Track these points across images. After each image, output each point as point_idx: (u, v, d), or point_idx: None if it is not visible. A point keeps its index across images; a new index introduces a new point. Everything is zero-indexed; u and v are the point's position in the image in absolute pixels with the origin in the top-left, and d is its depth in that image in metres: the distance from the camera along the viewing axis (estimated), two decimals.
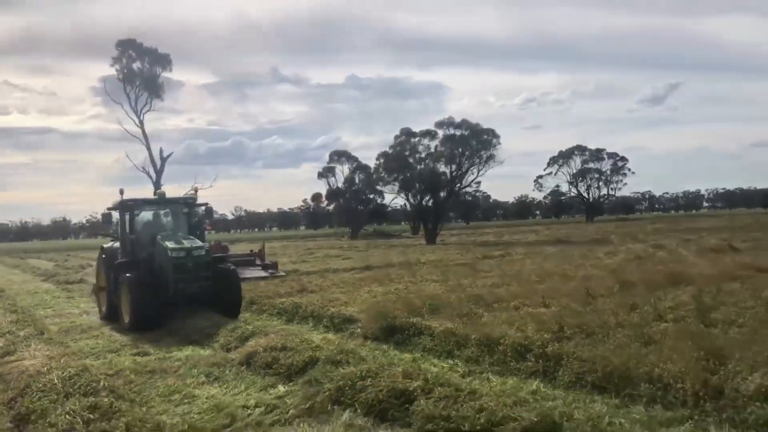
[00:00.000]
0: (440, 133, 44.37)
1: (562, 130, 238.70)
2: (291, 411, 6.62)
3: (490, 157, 42.31)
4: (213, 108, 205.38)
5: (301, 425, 6.14)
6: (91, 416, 5.79)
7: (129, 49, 53.05)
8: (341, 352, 8.19)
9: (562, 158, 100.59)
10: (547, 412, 5.28)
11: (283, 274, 20.34)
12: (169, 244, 12.49)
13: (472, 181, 44.45)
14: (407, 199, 46.40)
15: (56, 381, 7.11)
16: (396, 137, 51.65)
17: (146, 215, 14.11)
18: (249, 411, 6.75)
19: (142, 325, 11.84)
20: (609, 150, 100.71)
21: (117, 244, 13.99)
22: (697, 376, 6.05)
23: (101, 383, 6.97)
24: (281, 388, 7.48)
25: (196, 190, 15.10)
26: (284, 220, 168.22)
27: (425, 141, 48.95)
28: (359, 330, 10.61)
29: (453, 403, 5.83)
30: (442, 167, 44.38)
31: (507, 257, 24.53)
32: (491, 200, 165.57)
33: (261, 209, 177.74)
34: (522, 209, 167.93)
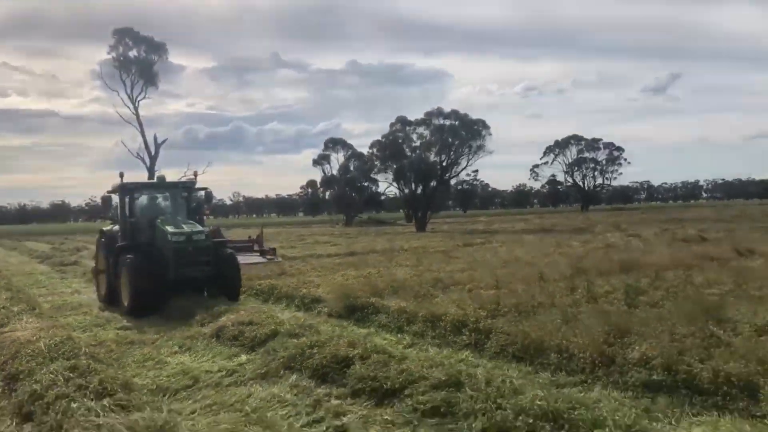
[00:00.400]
0: (434, 122, 45.18)
1: (562, 118, 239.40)
2: (248, 375, 7.58)
3: (480, 147, 43.25)
4: (213, 93, 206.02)
5: (254, 386, 7.11)
6: (71, 375, 6.73)
7: (125, 37, 53.90)
8: (300, 326, 9.16)
9: (558, 147, 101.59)
10: (453, 372, 6.24)
11: (280, 259, 20.62)
12: (169, 229, 12.58)
13: (462, 170, 45.31)
14: (398, 188, 47.38)
15: (43, 347, 8.04)
16: (391, 125, 52.59)
17: (146, 199, 14.12)
18: (211, 374, 7.71)
19: (142, 309, 11.90)
20: (607, 140, 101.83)
21: (116, 228, 13.94)
22: (596, 348, 7.00)
23: (82, 350, 7.93)
24: (243, 357, 8.42)
25: (195, 174, 15.09)
26: (283, 206, 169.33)
27: (420, 129, 49.91)
28: (325, 309, 11.58)
29: (383, 367, 6.77)
30: (432, 157, 45.19)
31: (486, 245, 25.48)
32: (490, 189, 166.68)
33: (260, 195, 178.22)
34: (520, 198, 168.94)
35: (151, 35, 55.77)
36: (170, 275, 12.38)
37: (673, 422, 5.37)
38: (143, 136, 56.54)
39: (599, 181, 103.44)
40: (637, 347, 6.78)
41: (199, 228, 12.98)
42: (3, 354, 8.46)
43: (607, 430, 4.64)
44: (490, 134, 43.47)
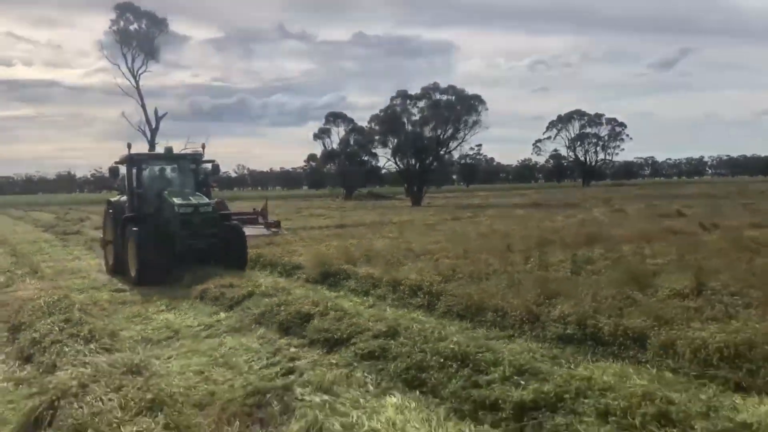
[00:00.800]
0: (432, 97, 45.79)
1: (569, 93, 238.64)
2: (223, 329, 8.60)
3: (476, 122, 43.94)
4: (218, 64, 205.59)
5: (227, 337, 8.13)
6: (65, 326, 7.77)
7: (127, 11, 54.67)
8: (275, 289, 10.18)
9: (561, 123, 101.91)
10: (393, 324, 7.24)
11: (285, 232, 20.84)
12: (177, 200, 12.83)
13: (458, 146, 46.04)
14: (395, 163, 48.17)
15: (42, 304, 9.08)
16: (392, 99, 53.16)
17: (153, 170, 14.33)
18: (191, 328, 8.75)
19: (149, 279, 12.16)
20: (614, 115, 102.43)
21: (124, 198, 14.13)
22: (526, 308, 7.97)
23: (76, 306, 8.97)
24: (222, 315, 9.44)
25: (203, 147, 15.04)
26: (287, 179, 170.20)
27: (421, 104, 50.48)
28: (303, 275, 12.58)
29: (337, 322, 7.76)
30: (428, 132, 45.92)
31: (473, 219, 26.40)
32: (495, 163, 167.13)
33: (265, 168, 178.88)
34: (524, 173, 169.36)
35: (152, 10, 56.56)
36: (177, 246, 12.66)
37: (572, 366, 6.32)
38: (144, 109, 57.61)
39: (601, 156, 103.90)
40: (559, 307, 7.75)
41: (206, 200, 13.24)
42: (7, 310, 9.52)
43: (501, 367, 5.60)
44: (486, 109, 44.25)
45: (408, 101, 51.82)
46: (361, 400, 5.55)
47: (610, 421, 4.51)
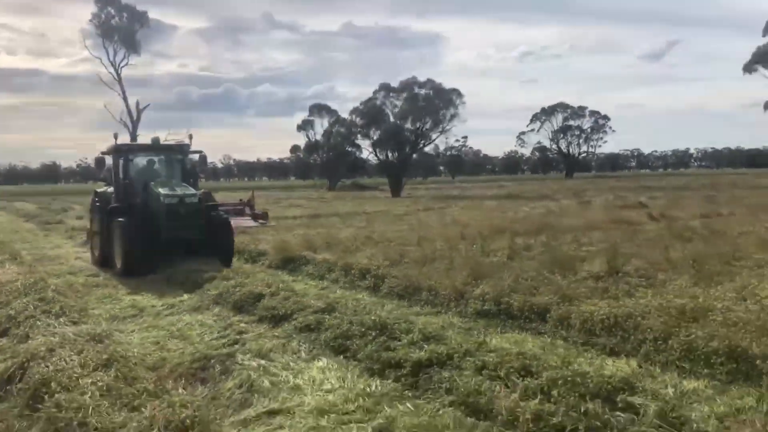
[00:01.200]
0: (411, 91, 46.71)
1: (558, 84, 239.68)
2: (183, 308, 9.52)
3: (454, 116, 44.94)
4: (205, 54, 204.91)
5: (186, 315, 9.06)
6: (39, 304, 8.65)
7: (108, 5, 55.17)
8: (235, 272, 11.11)
9: (544, 115, 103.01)
10: (331, 302, 8.21)
11: (274, 224, 20.89)
12: (162, 191, 12.83)
13: (436, 138, 47.02)
14: (375, 155, 49.07)
15: (19, 286, 9.92)
16: (375, 92, 54.03)
17: (140, 161, 14.32)
18: (155, 308, 9.66)
19: (134, 271, 12.14)
20: (599, 108, 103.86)
21: (111, 189, 14.09)
22: (454, 288, 8.96)
23: (50, 287, 9.84)
24: (185, 296, 10.35)
25: (190, 137, 14.86)
26: (274, 170, 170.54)
27: (402, 97, 51.32)
28: (267, 261, 13.51)
29: (284, 300, 8.71)
30: (408, 125, 46.86)
31: (444, 209, 27.45)
32: (482, 155, 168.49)
33: (252, 158, 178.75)
34: (511, 164, 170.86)
35: (133, 4, 57.02)
36: (162, 237, 12.61)
37: (482, 336, 7.29)
38: (125, 101, 58.16)
39: (584, 149, 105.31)
40: (482, 286, 8.74)
41: (192, 191, 13.25)
42: None
43: (411, 335, 6.57)
44: (464, 102, 45.23)
45: (390, 94, 52.80)
46: (292, 364, 6.49)
47: (483, 374, 5.49)
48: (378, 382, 5.82)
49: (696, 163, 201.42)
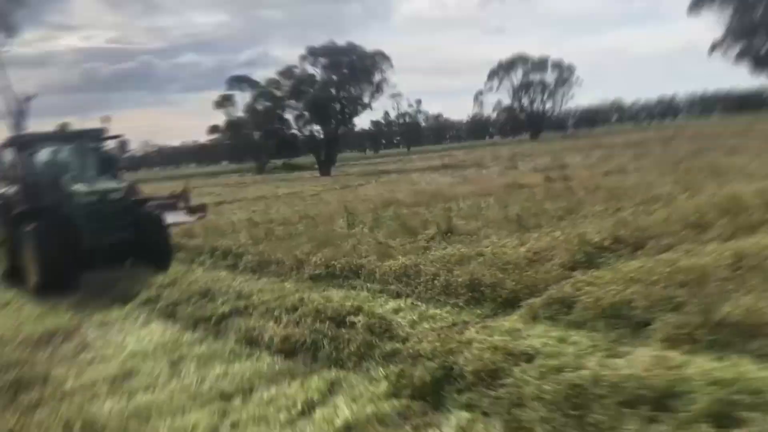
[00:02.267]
0: (331, 58, 49.06)
1: (529, 32, 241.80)
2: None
3: (383, 81, 47.58)
4: (114, 23, 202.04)
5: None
6: None
7: None
8: None
9: (502, 70, 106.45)
10: (173, 277, 10.80)
11: (213, 217, 20.67)
12: (78, 188, 12.51)
13: (366, 107, 49.55)
14: (299, 131, 51.46)
15: None
16: (301, 57, 55.64)
17: (47, 153, 13.74)
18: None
19: (54, 287, 11.58)
20: (576, 53, 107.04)
21: (14, 190, 13.48)
22: (296, 258, 11.58)
23: None
24: None
25: (107, 120, 14.49)
26: (203, 154, 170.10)
27: (324, 62, 53.38)
28: None
29: (137, 284, 11.22)
30: (334, 94, 49.32)
31: (361, 186, 30.22)
32: (443, 119, 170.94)
33: (176, 142, 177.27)
34: (477, 128, 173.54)
35: None
36: (84, 244, 12.24)
37: (320, 296, 9.89)
38: (10, 90, 58.83)
39: (549, 105, 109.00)
40: (319, 254, 11.38)
41: (115, 185, 13.02)
42: None
43: (226, 296, 9.17)
44: (392, 66, 47.76)
45: (321, 58, 54.84)
46: (128, 327, 9.07)
47: (274, 316, 8.12)
48: (191, 333, 8.43)
49: (684, 111, 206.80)
